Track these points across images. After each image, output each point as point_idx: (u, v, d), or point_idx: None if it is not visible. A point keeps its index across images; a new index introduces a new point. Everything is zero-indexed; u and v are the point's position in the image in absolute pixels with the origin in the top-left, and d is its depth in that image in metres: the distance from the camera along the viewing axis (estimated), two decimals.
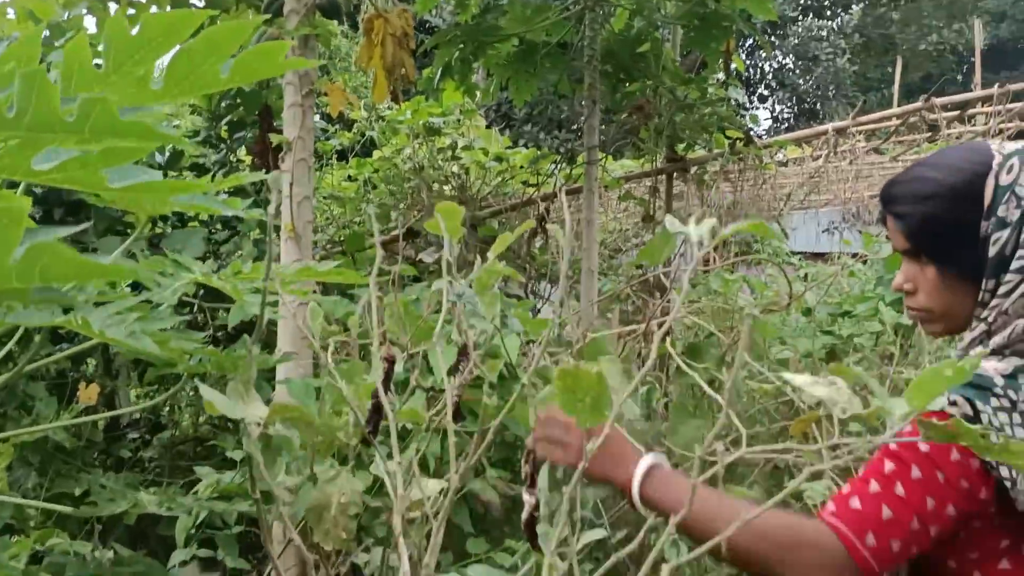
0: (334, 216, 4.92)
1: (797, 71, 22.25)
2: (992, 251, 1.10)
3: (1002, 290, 1.10)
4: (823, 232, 11.15)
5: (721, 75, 4.62)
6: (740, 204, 6.26)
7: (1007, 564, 1.06)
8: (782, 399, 2.90)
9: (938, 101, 4.43)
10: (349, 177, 5.23)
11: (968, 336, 1.14)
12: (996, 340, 1.09)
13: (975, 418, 1.02)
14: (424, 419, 1.35)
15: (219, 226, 3.45)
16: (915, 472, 0.99)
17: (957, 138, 5.25)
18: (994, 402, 1.03)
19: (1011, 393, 1.03)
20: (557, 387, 0.84)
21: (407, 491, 1.46)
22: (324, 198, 4.92)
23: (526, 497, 1.11)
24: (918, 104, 4.44)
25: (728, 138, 4.49)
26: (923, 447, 1.02)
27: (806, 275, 5.30)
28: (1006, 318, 1.09)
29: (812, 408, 2.44)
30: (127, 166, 0.65)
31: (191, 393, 3.43)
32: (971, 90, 6.34)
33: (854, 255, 4.55)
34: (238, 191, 3.24)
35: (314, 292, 2.56)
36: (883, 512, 0.99)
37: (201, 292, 3.00)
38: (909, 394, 0.69)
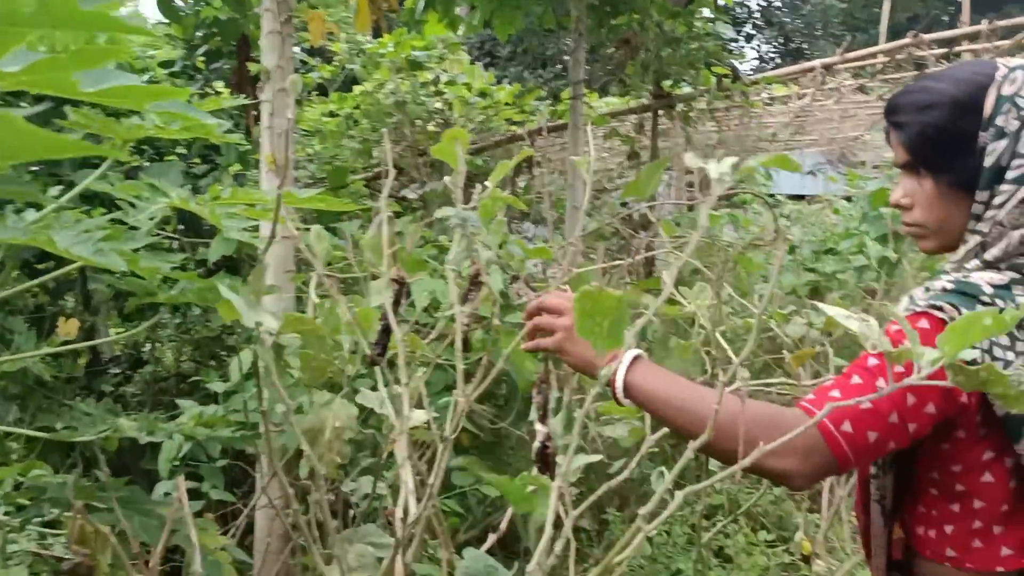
0: (315, 152, 4.85)
1: (785, 9, 21.94)
2: (988, 161, 1.09)
3: (997, 200, 1.09)
4: (807, 174, 11.12)
5: (708, 10, 4.54)
6: (725, 143, 6.22)
7: (989, 477, 1.06)
8: (766, 334, 2.91)
9: (926, 38, 4.38)
10: (330, 112, 5.14)
11: (962, 249, 1.13)
12: (992, 252, 1.08)
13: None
14: (422, 348, 1.33)
15: (197, 160, 3.38)
16: (897, 368, 0.98)
17: None
18: (980, 310, 1.02)
19: (999, 302, 1.03)
20: (576, 310, 0.82)
21: (407, 416, 1.46)
22: (304, 133, 4.84)
23: (539, 428, 1.12)
24: (906, 40, 4.39)
25: (715, 75, 4.43)
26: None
27: (789, 215, 5.29)
28: (1001, 229, 1.08)
29: (797, 343, 2.44)
30: (101, 70, 0.62)
31: (173, 328, 3.41)
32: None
33: (847, 199, 4.55)
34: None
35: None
36: (862, 403, 0.98)
37: (180, 228, 2.95)
38: (943, 339, 0.67)
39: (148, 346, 3.49)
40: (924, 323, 1.04)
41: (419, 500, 1.01)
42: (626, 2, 4.16)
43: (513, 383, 2.27)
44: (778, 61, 21.19)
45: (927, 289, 1.10)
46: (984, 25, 4.33)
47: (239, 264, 2.99)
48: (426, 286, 2.17)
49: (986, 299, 1.04)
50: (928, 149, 1.12)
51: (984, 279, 1.06)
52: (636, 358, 1.04)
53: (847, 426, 0.99)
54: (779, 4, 22.03)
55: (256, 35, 3.14)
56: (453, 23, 4.30)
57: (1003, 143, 1.07)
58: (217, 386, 2.20)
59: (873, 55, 4.61)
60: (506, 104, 4.92)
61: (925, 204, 1.15)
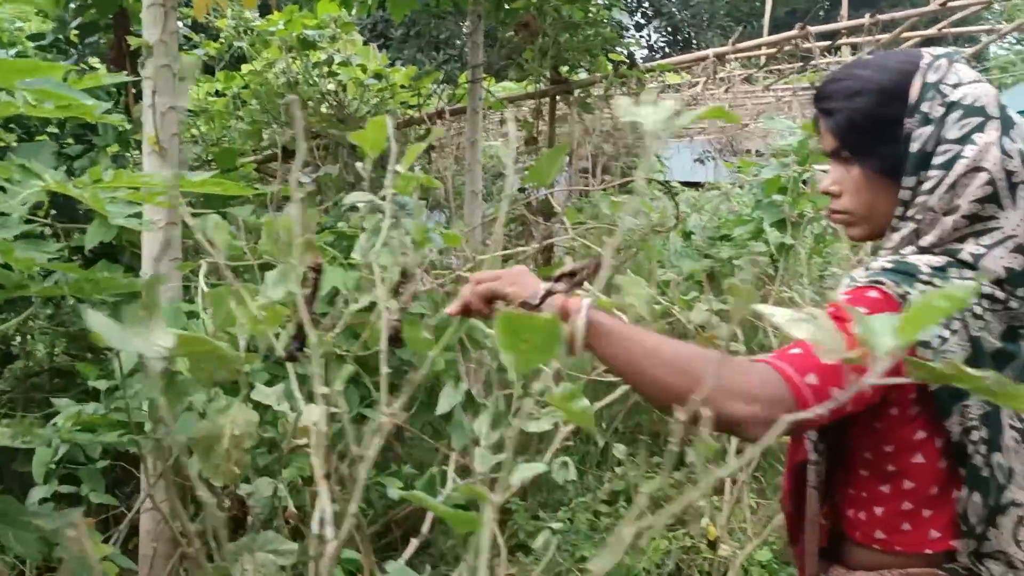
0: (200, 133, 4.62)
1: (674, 0, 22.41)
2: (914, 147, 1.09)
3: (925, 186, 1.09)
4: (695, 161, 11.42)
5: None
6: (620, 129, 6.28)
7: (920, 457, 1.07)
8: (668, 319, 2.93)
9: (811, 30, 4.51)
10: (216, 92, 4.90)
11: (896, 236, 1.13)
12: (927, 239, 1.09)
13: (903, 301, 1.03)
14: (341, 345, 1.25)
15: (71, 140, 3.16)
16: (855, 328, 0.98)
17: (825, 68, 5.40)
18: (919, 287, 1.03)
19: (936, 281, 1.04)
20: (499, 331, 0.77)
21: (297, 421, 1.38)
22: (189, 113, 4.60)
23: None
24: (794, 32, 4.52)
25: (611, 61, 4.45)
26: (861, 310, 0.97)
27: (684, 201, 5.38)
28: (933, 215, 1.09)
29: (699, 329, 2.46)
30: None
31: (45, 319, 3.18)
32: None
33: (739, 185, 4.65)
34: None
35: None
36: (824, 360, 0.95)
37: (53, 213, 2.75)
38: (900, 326, 0.64)
39: (18, 339, 3.25)
40: (873, 293, 1.04)
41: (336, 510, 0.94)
42: None
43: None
44: (667, 51, 21.66)
45: (867, 269, 1.11)
46: (866, 19, 4.49)
47: (118, 251, 2.80)
48: (329, 277, 2.07)
49: (924, 278, 1.04)
50: (855, 135, 1.13)
51: (922, 260, 1.07)
52: (591, 305, 1.01)
53: (812, 378, 0.96)
54: None
55: (136, 8, 2.94)
56: (347, 2, 4.17)
57: (928, 129, 1.09)
58: (98, 383, 2.05)
59: (760, 47, 4.73)
60: (402, 87, 4.81)
61: (853, 191, 1.16)
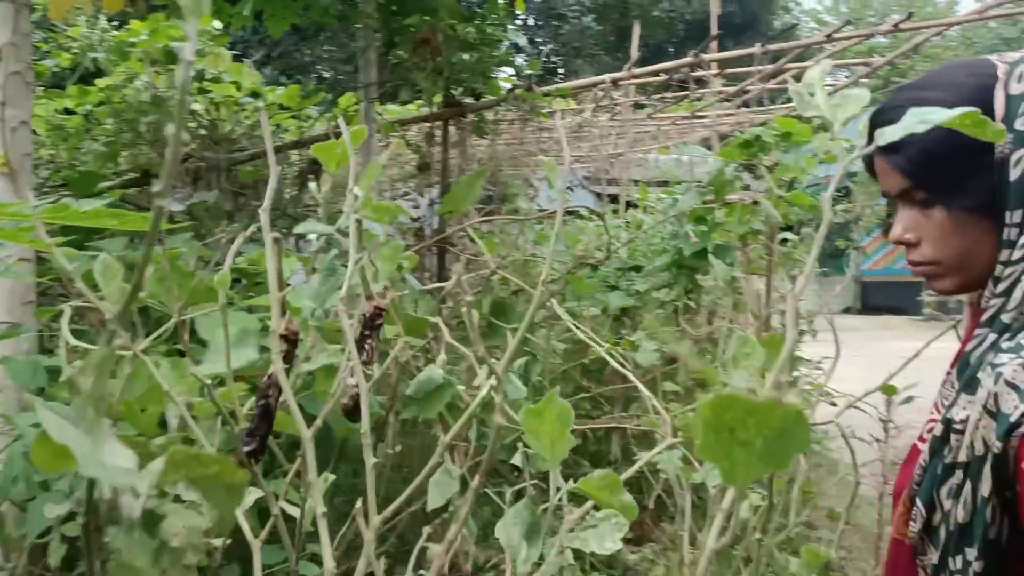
0: (50, 155, 4.12)
1: (544, 28, 22.71)
2: (1014, 175, 0.89)
3: None
4: (567, 189, 11.44)
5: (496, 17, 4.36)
6: (496, 156, 6.11)
7: None
8: (587, 358, 2.75)
9: (706, 58, 4.49)
10: (67, 110, 4.39)
11: (1019, 292, 0.90)
12: (1009, 312, 0.89)
13: None
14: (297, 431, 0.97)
15: None
16: None
17: (699, 98, 5.43)
18: None
19: None
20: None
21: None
22: (34, 132, 4.08)
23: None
24: (689, 59, 4.48)
25: (508, 85, 4.27)
26: None
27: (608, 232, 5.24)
28: None
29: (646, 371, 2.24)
30: None
31: None
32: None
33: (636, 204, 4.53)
34: None
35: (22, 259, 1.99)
36: None
37: None
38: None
39: None
40: None
41: None
42: (415, 2, 3.89)
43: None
44: (536, 78, 21.95)
45: (1001, 359, 0.85)
46: (757, 48, 4.52)
47: None
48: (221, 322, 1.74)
49: None
50: (934, 171, 0.93)
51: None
52: None
53: None
54: (539, 24, 22.79)
55: None
56: (221, 11, 3.80)
57: None
58: None
59: (656, 73, 4.67)
60: (280, 107, 4.46)
61: (938, 237, 0.96)
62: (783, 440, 0.35)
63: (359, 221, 0.82)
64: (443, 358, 1.52)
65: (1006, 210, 0.91)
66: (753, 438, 0.35)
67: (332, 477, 1.09)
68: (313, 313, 1.02)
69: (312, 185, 0.97)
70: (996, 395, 0.83)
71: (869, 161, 1.00)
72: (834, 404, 2.29)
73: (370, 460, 0.67)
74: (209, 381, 0.89)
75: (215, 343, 1.66)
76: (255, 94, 4.32)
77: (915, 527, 0.94)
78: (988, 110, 0.91)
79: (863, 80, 5.62)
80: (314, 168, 3.63)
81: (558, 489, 0.73)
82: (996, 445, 0.81)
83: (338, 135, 3.12)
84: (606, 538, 0.73)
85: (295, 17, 3.95)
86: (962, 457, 0.87)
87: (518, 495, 0.86)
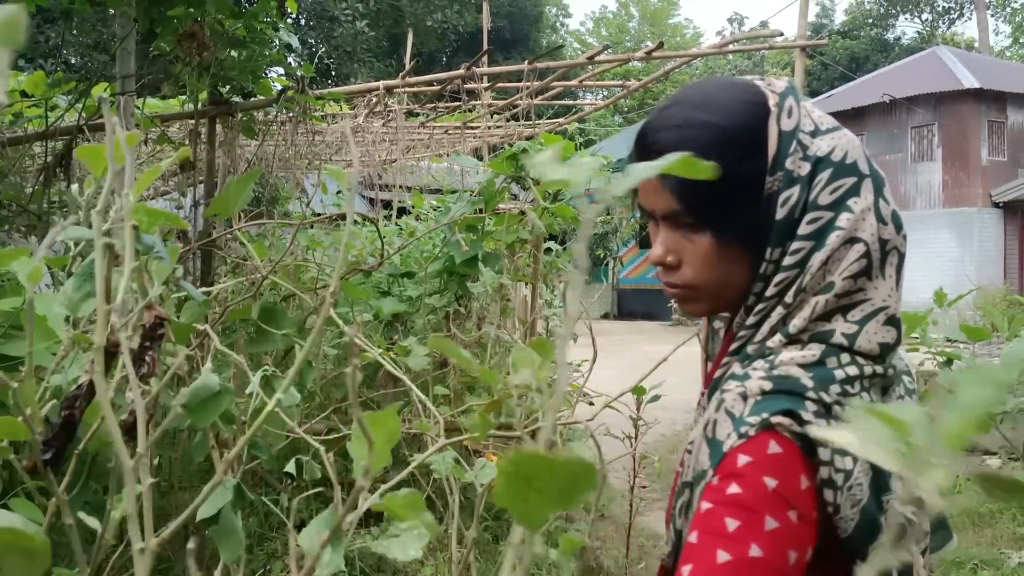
0: None
1: (316, 30, 22.26)
2: (781, 213, 0.90)
3: (788, 261, 0.90)
4: (337, 194, 11.29)
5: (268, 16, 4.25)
6: (263, 158, 5.94)
7: None
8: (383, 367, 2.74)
9: (478, 71, 4.63)
10: None
11: (765, 326, 0.92)
12: (795, 323, 0.90)
13: (803, 430, 0.83)
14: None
15: None
16: (769, 523, 0.79)
17: (491, 108, 5.61)
18: (811, 408, 0.84)
19: (823, 395, 0.85)
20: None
21: None
22: None
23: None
24: (461, 72, 4.60)
25: (279, 85, 4.16)
26: (769, 482, 0.80)
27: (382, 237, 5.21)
28: (803, 295, 0.91)
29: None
30: None
31: None
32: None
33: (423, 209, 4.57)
34: None
35: None
36: None
37: None
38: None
39: None
40: (775, 446, 0.83)
41: None
42: None
43: None
44: (309, 80, 21.44)
45: (742, 396, 0.87)
46: (525, 65, 4.72)
47: None
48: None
49: (811, 395, 0.85)
50: (707, 198, 0.91)
51: (794, 363, 0.88)
52: None
53: None
54: (311, 24, 22.29)
55: None
56: None
57: (795, 191, 0.90)
58: None
59: (431, 83, 4.75)
60: (23, 94, 4.06)
61: (701, 263, 0.95)
62: (574, 485, 0.41)
63: (135, 227, 0.79)
64: (209, 365, 1.48)
65: (768, 246, 0.92)
66: (547, 486, 0.40)
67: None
68: (68, 320, 0.97)
69: (74, 188, 0.91)
70: (715, 422, 0.88)
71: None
72: (591, 404, 2.45)
73: (147, 481, 0.65)
74: None
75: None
76: None
77: (666, 549, 0.98)
78: (761, 141, 0.91)
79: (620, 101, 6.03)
80: (62, 162, 3.35)
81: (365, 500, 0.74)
82: (709, 472, 0.85)
83: (92, 127, 2.90)
84: (408, 547, 0.75)
85: (30, 5, 3.63)
86: (688, 477, 0.91)
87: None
